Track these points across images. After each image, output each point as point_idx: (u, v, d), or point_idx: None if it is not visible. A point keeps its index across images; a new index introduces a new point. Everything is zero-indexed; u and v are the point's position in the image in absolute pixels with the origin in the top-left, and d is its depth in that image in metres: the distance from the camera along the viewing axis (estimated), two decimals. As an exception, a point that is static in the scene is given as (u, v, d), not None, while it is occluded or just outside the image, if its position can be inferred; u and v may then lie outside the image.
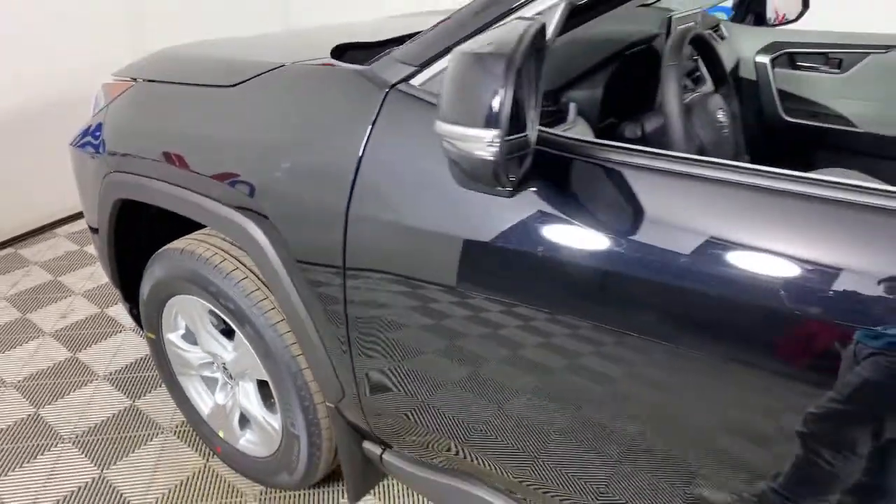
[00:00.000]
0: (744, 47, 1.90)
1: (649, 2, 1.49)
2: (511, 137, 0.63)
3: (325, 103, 1.00)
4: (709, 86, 1.31)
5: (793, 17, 2.01)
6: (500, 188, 0.63)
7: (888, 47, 1.73)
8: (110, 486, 1.53)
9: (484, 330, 0.86)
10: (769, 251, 0.63)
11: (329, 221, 0.96)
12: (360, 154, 0.92)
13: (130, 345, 2.06)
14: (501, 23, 0.75)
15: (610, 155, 0.75)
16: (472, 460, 1.03)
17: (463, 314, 0.87)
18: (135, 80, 1.40)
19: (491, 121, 0.57)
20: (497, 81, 0.56)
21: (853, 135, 1.81)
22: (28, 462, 1.60)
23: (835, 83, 1.81)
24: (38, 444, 1.66)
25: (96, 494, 1.51)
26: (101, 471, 1.58)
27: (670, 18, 1.33)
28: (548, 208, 0.77)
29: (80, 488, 1.53)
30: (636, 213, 0.72)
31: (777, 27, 1.94)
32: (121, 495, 1.51)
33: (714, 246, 0.67)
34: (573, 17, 0.80)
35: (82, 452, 1.63)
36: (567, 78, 1.06)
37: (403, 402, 1.05)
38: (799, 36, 1.87)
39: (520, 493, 1.02)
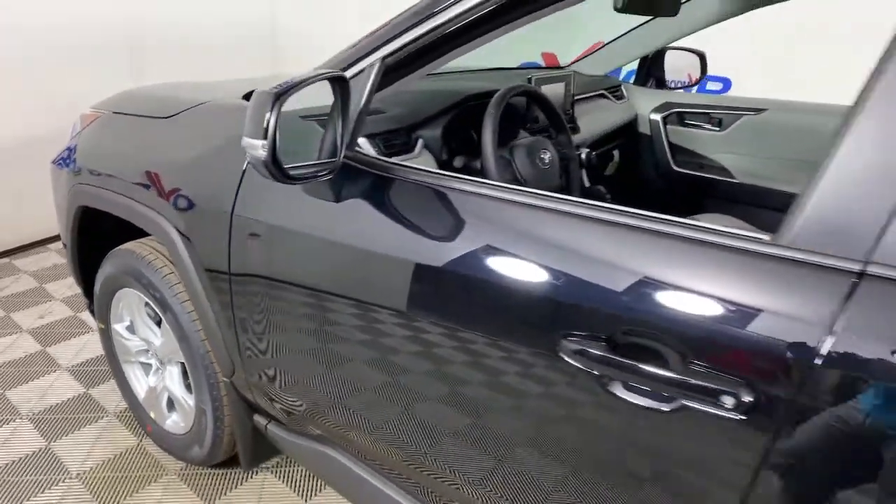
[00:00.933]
0: (641, 106, 2.19)
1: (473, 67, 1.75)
2: (317, 162, 0.90)
3: (226, 130, 1.28)
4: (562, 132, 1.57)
5: (695, 80, 2.31)
6: (276, 180, 0.89)
7: (758, 110, 2.00)
8: (53, 454, 1.76)
9: (330, 320, 1.09)
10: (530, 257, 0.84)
11: (220, 230, 1.23)
12: (244, 168, 1.19)
13: (94, 344, 2.31)
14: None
15: (412, 175, 1.01)
16: (338, 430, 1.24)
17: (310, 303, 1.11)
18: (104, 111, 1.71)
19: (262, 134, 0.84)
20: (266, 109, 0.83)
21: (732, 185, 2.06)
22: (-13, 432, 1.84)
23: (716, 139, 2.08)
24: (-2, 419, 1.90)
25: (41, 460, 1.74)
26: (49, 443, 1.81)
27: (531, 78, 1.61)
28: (367, 210, 1.03)
29: (27, 455, 1.75)
30: (428, 218, 0.97)
31: (669, 90, 2.24)
32: (61, 463, 1.73)
33: (485, 249, 0.89)
34: (392, 73, 1.06)
35: (35, 427, 1.87)
36: (420, 119, 1.33)
37: (279, 383, 1.28)
38: (687, 98, 2.15)
39: (382, 462, 1.21)
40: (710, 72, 2.35)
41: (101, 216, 1.65)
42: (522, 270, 0.84)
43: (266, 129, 0.83)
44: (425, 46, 1.01)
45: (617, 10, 1.32)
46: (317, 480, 1.70)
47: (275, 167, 0.86)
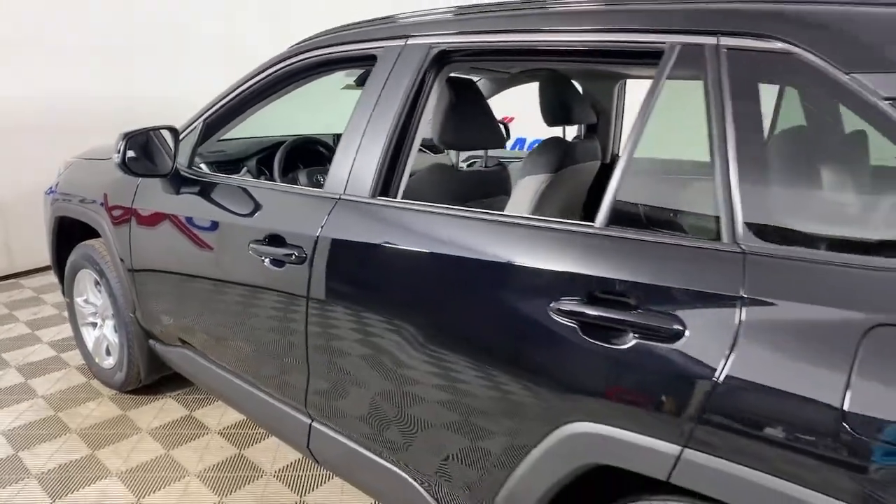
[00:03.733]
0: (454, 156, 3.10)
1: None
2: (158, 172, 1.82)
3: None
4: None
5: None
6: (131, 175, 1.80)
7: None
8: (28, 386, 2.61)
9: (178, 263, 1.95)
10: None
11: (126, 216, 2.13)
12: (138, 182, 2.10)
13: (69, 328, 3.19)
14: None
15: (228, 182, 1.91)
16: (190, 337, 2.08)
17: (166, 255, 1.99)
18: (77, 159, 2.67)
19: (117, 151, 1.75)
20: (120, 140, 1.75)
21: None
22: (-14, 374, 2.70)
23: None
24: (-6, 368, 2.76)
25: (19, 390, 2.58)
26: (26, 380, 2.66)
27: (337, 136, 2.54)
28: (195, 198, 1.91)
29: (10, 386, 2.60)
30: (227, 200, 1.86)
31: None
32: (33, 391, 2.58)
33: (251, 211, 1.76)
34: (215, 129, 1.99)
35: (19, 373, 2.72)
36: (245, 155, 2.26)
37: (156, 311, 2.14)
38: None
39: (218, 356, 2.03)
40: (518, 134, 3.29)
41: (72, 224, 2.57)
42: (258, 217, 1.72)
43: (118, 150, 1.75)
44: (226, 112, 1.95)
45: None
46: (202, 402, 2.52)
47: (123, 166, 1.77)
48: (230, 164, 2.21)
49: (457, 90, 1.62)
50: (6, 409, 2.43)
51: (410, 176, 1.59)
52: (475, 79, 2.75)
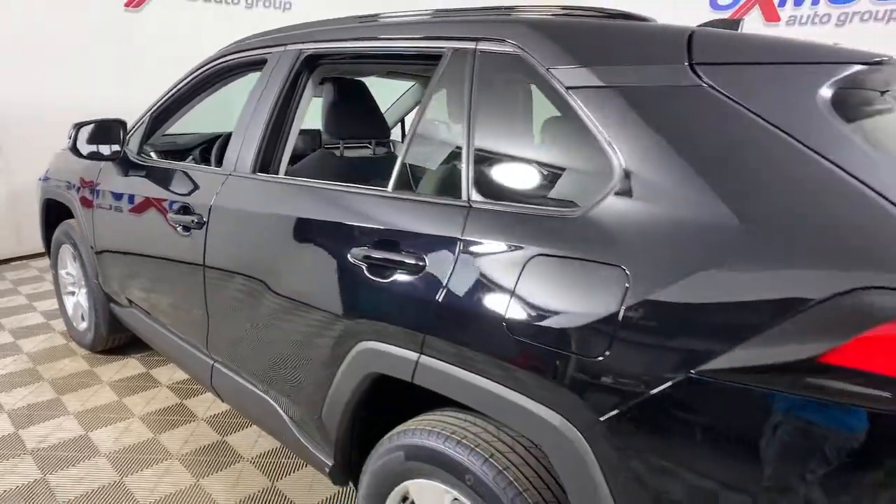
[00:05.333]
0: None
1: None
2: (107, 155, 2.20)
3: (104, 152, 2.60)
4: None
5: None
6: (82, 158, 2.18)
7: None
8: (16, 345, 3.02)
9: (126, 232, 2.33)
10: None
11: (91, 195, 2.52)
12: (101, 166, 2.49)
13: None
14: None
15: (162, 165, 2.27)
16: (136, 299, 2.44)
17: (118, 226, 2.36)
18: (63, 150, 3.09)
19: (69, 136, 2.12)
20: (73, 129, 2.12)
21: None
22: (-17, 334, 3.13)
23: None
24: (-9, 330, 3.19)
25: (8, 347, 2.99)
26: (15, 340, 3.07)
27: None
28: (142, 179, 2.28)
29: (1, 344, 3.02)
30: (171, 181, 2.22)
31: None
32: (19, 348, 2.98)
33: (192, 192, 2.12)
34: (160, 122, 2.36)
35: (11, 335, 3.14)
36: (191, 146, 2.63)
37: (110, 275, 2.51)
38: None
39: (159, 313, 2.40)
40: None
41: (57, 206, 2.98)
42: (177, 192, 2.07)
43: (69, 136, 2.12)
44: (167, 108, 2.32)
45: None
46: (160, 363, 2.89)
47: (74, 150, 2.15)
48: (179, 153, 2.59)
49: (339, 89, 1.94)
50: (-6, 362, 2.85)
51: (300, 159, 1.92)
52: (410, 83, 3.08)
